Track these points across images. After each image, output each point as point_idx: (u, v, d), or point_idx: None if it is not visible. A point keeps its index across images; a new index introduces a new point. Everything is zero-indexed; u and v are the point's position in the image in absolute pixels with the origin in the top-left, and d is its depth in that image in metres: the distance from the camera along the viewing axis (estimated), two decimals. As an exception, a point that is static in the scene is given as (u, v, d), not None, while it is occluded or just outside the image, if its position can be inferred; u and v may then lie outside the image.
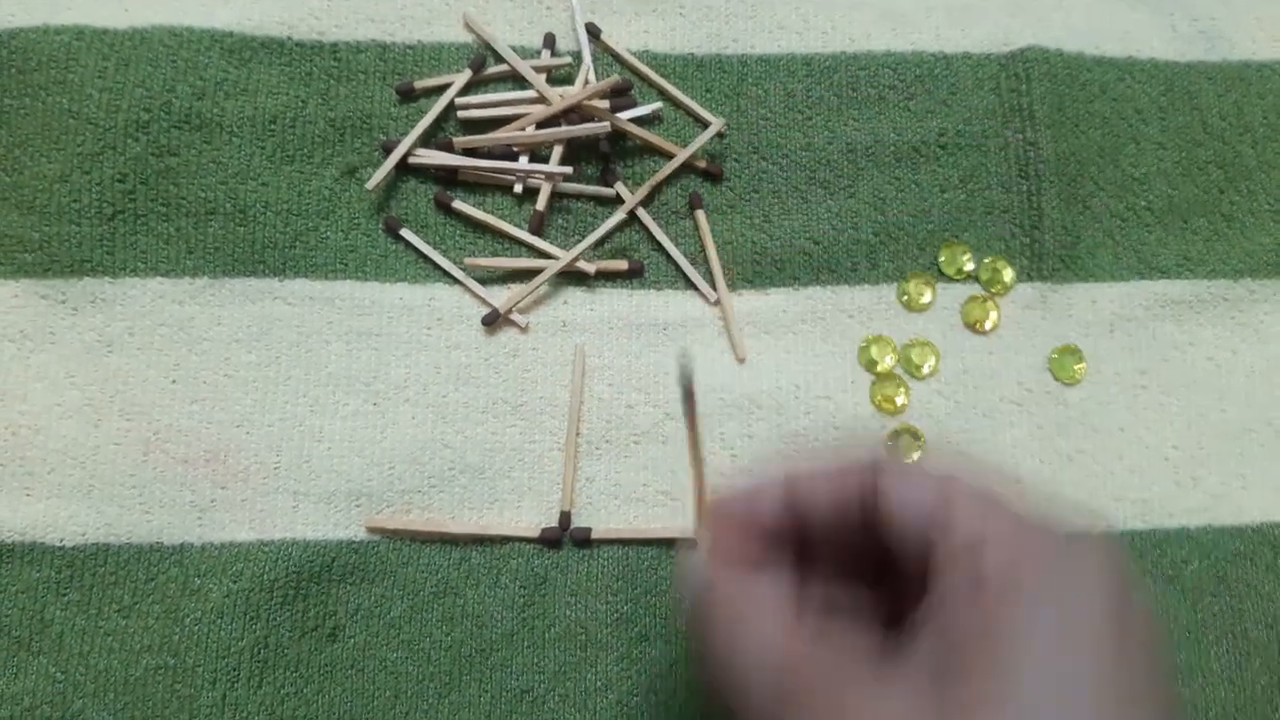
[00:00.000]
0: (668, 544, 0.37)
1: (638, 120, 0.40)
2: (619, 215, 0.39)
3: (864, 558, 0.27)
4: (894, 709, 0.23)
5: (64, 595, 0.35)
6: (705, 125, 0.40)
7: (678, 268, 0.39)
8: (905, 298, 0.40)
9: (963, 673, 0.23)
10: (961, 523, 0.25)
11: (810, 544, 0.27)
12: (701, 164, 0.40)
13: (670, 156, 0.40)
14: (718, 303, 0.39)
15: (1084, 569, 0.24)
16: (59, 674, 0.34)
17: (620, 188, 0.40)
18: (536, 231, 0.39)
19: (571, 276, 0.39)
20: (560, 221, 0.40)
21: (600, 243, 0.39)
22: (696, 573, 0.27)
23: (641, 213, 0.39)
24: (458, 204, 0.39)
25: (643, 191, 0.39)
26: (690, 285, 0.39)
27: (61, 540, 0.35)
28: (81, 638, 0.35)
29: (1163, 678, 0.24)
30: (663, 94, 0.41)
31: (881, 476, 0.26)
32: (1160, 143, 0.42)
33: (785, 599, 0.26)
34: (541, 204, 0.39)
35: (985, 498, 0.25)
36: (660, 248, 0.40)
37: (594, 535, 0.37)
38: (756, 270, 0.40)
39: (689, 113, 0.41)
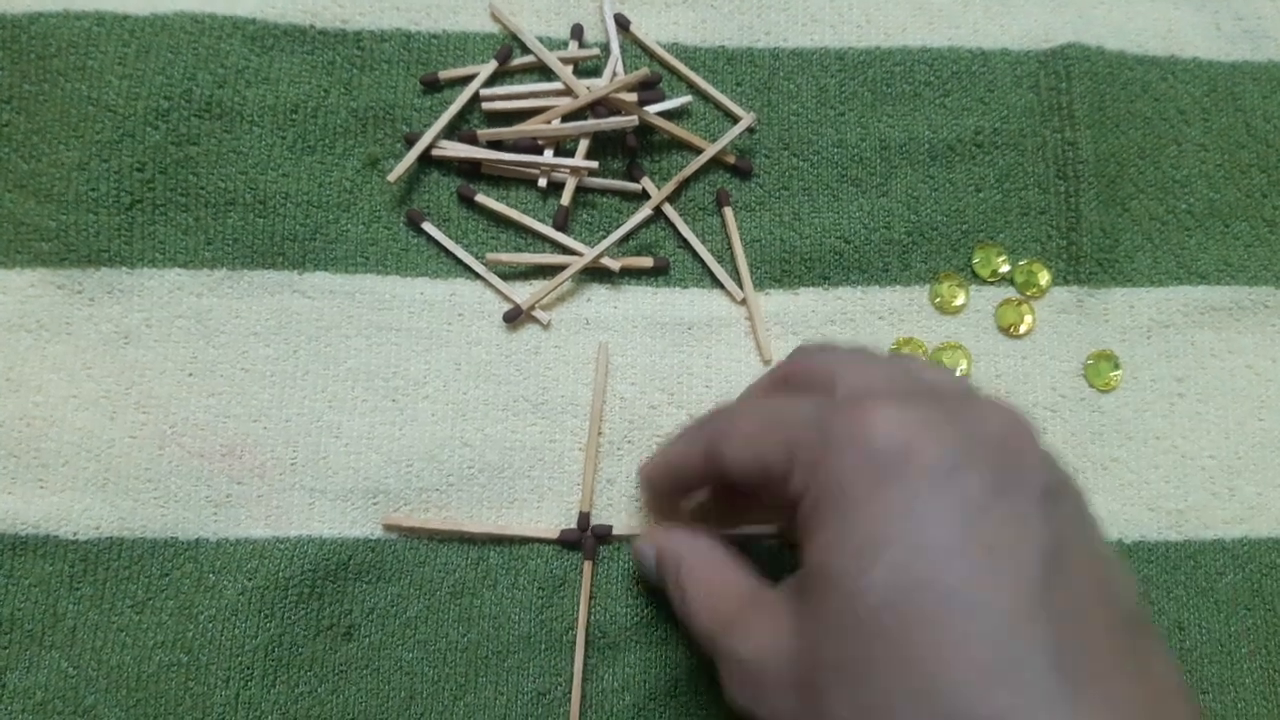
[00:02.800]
0: (690, 548, 0.36)
1: (666, 114, 0.39)
2: (644, 211, 0.38)
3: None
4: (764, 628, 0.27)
5: (77, 589, 0.34)
6: (735, 119, 0.40)
7: (704, 265, 0.39)
8: (938, 299, 0.39)
9: (803, 579, 0.26)
10: (774, 459, 0.27)
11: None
12: (730, 159, 0.39)
13: (699, 152, 0.39)
14: (744, 301, 0.38)
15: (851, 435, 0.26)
16: (71, 669, 0.34)
17: (646, 182, 0.39)
18: (561, 227, 0.38)
19: (595, 273, 0.38)
20: (585, 217, 0.39)
21: (625, 239, 0.38)
22: (647, 546, 0.33)
23: (668, 209, 0.39)
24: (481, 197, 0.38)
25: (670, 187, 0.38)
26: (716, 284, 0.38)
27: (75, 534, 0.35)
28: (94, 632, 0.34)
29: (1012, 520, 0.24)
30: (692, 87, 0.40)
31: (709, 447, 0.30)
32: (1202, 144, 0.41)
33: (723, 552, 0.31)
34: (566, 199, 0.38)
35: (791, 426, 0.28)
36: (686, 245, 0.39)
37: (614, 533, 0.36)
38: (785, 269, 0.39)
39: (719, 106, 0.40)
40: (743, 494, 0.31)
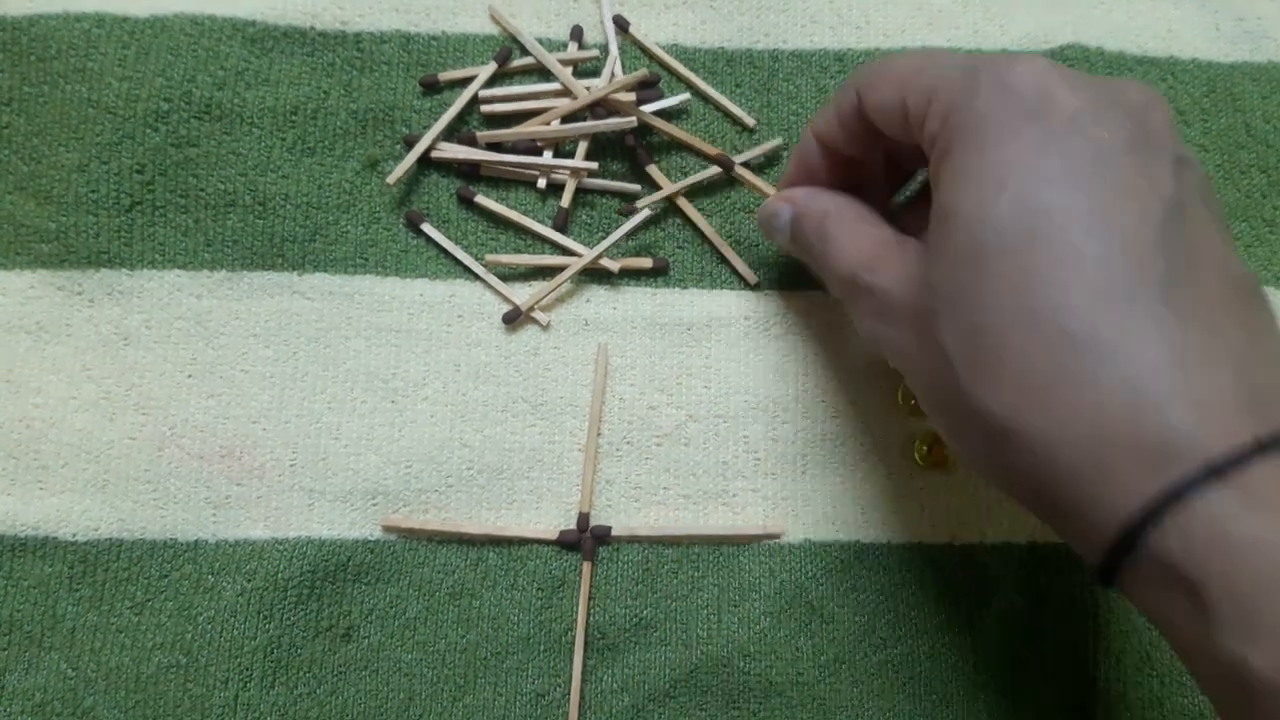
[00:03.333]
0: (688, 547, 0.36)
1: (663, 113, 0.39)
2: (644, 213, 0.38)
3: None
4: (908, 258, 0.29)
5: (76, 591, 0.34)
6: (735, 121, 0.40)
7: (703, 266, 0.39)
8: None
9: (934, 217, 0.27)
10: (915, 101, 0.28)
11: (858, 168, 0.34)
12: (730, 165, 0.39)
13: (698, 152, 0.39)
14: (757, 285, 0.38)
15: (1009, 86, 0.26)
16: (70, 670, 0.34)
17: (654, 171, 0.39)
18: (561, 228, 0.38)
19: (594, 274, 0.38)
20: (584, 217, 0.39)
21: (627, 238, 0.38)
22: (784, 205, 0.34)
23: (681, 200, 0.39)
24: (480, 199, 0.38)
25: (685, 184, 0.38)
26: (716, 284, 0.38)
27: (74, 535, 0.35)
28: (93, 634, 0.34)
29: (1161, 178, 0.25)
30: (692, 88, 0.40)
31: (860, 88, 0.31)
32: (1202, 145, 0.41)
33: (871, 213, 0.32)
34: (566, 200, 0.38)
35: (937, 70, 0.28)
36: (685, 245, 0.39)
37: (613, 535, 0.36)
38: (783, 272, 0.39)
39: (719, 108, 0.40)
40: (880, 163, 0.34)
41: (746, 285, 0.38)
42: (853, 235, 0.31)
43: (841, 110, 0.32)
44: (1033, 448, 0.24)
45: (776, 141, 0.39)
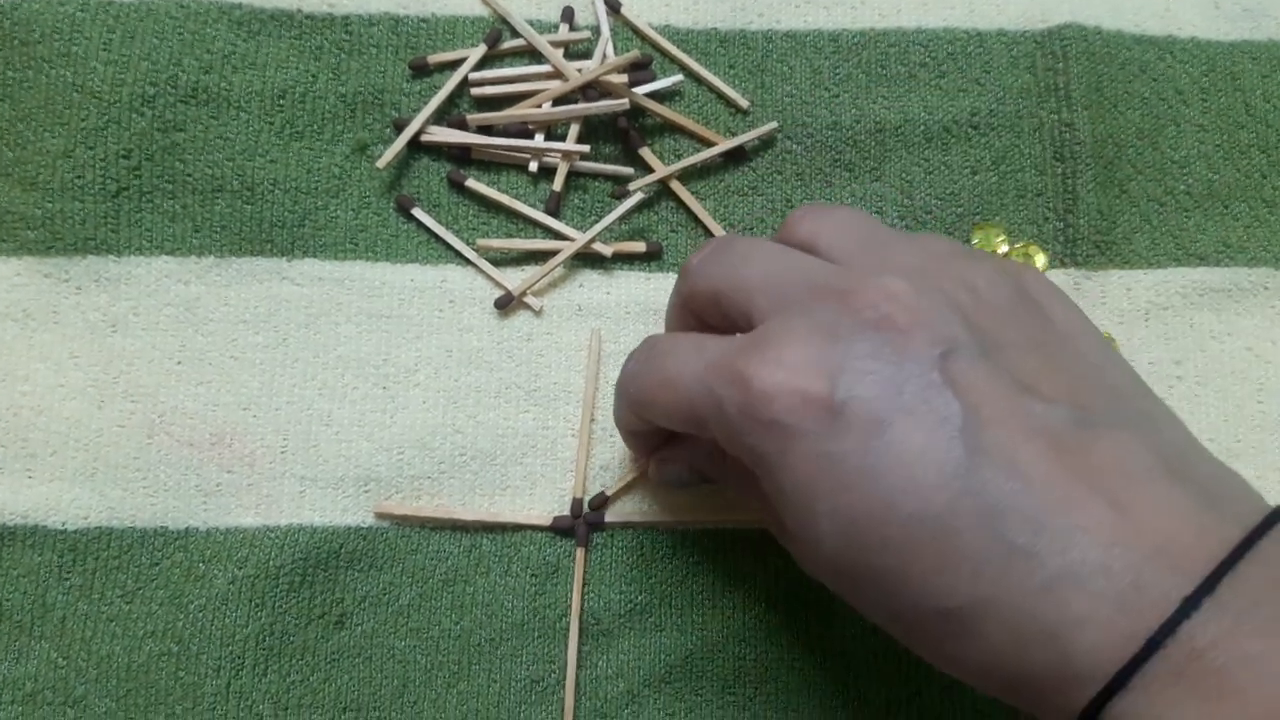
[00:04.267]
0: (683, 533, 0.36)
1: (656, 95, 0.39)
2: (636, 196, 0.38)
3: None
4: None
5: (66, 579, 0.34)
6: (728, 102, 0.39)
7: (697, 249, 0.38)
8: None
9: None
10: (698, 425, 0.27)
11: None
12: (724, 145, 0.39)
13: (690, 134, 0.39)
14: None
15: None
16: (61, 659, 0.34)
17: (647, 153, 0.38)
18: (554, 213, 0.38)
19: (587, 259, 0.38)
20: (576, 201, 0.39)
21: (619, 222, 0.38)
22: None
23: (674, 182, 0.38)
24: (471, 182, 0.38)
25: (678, 168, 0.38)
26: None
27: (64, 524, 0.35)
28: (84, 623, 0.34)
29: None
30: (684, 70, 0.39)
31: (637, 408, 0.30)
32: (1201, 125, 0.40)
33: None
34: (558, 184, 0.38)
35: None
36: (678, 229, 0.38)
37: (607, 520, 0.36)
38: (778, 254, 0.38)
39: (712, 89, 0.39)
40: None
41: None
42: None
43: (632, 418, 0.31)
44: (997, 625, 0.23)
45: (772, 125, 0.39)
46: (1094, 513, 0.22)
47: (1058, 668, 0.22)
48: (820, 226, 0.29)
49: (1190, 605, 0.21)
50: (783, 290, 0.27)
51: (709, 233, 0.38)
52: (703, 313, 0.30)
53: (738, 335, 0.27)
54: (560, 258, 0.37)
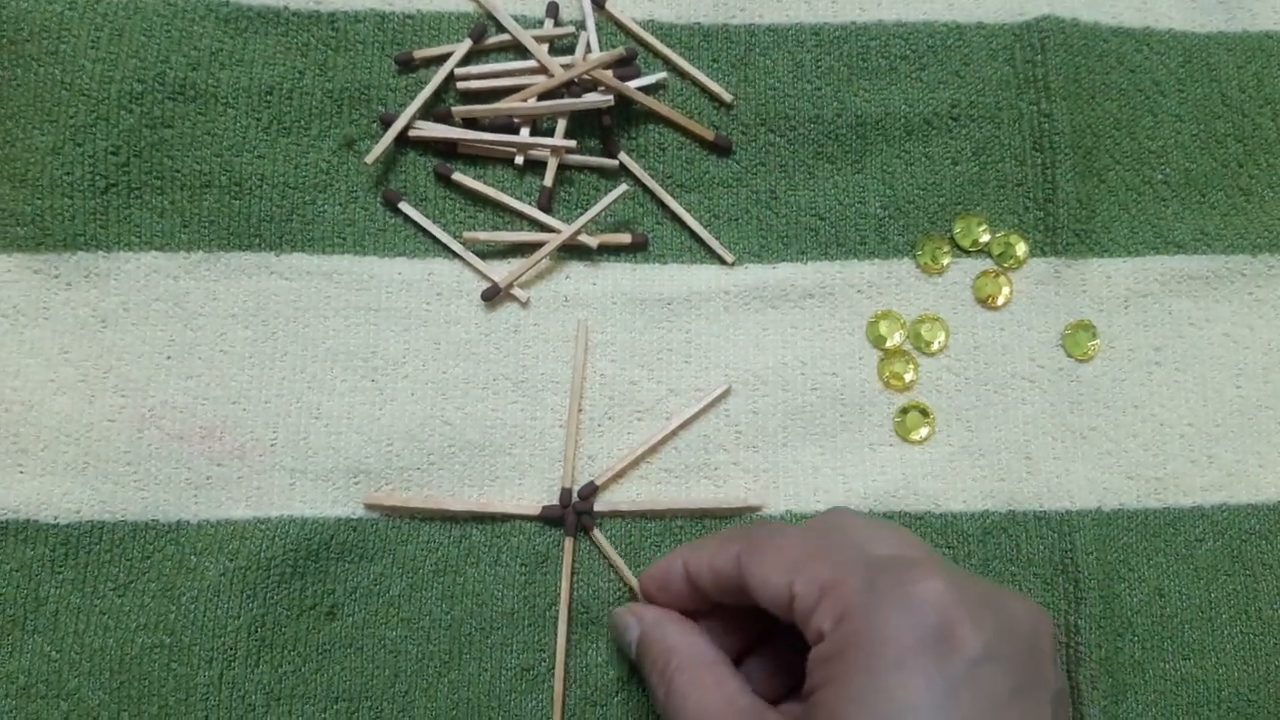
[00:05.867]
0: (671, 520, 0.36)
1: (642, 91, 0.39)
2: (621, 188, 0.38)
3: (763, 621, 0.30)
4: None
5: (59, 573, 0.34)
6: (713, 97, 0.40)
7: (682, 241, 0.39)
8: (925, 260, 0.39)
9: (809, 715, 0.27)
10: (804, 590, 0.28)
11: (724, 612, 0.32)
12: (710, 136, 0.39)
13: (675, 126, 0.39)
14: (735, 263, 0.38)
15: (910, 607, 0.26)
16: (54, 653, 0.34)
17: (625, 158, 0.39)
18: (545, 208, 0.38)
19: (573, 250, 0.38)
20: (562, 194, 0.39)
21: (603, 215, 0.38)
22: (633, 620, 0.33)
23: (649, 181, 0.39)
24: (458, 176, 0.38)
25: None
26: (695, 259, 0.38)
27: (56, 518, 0.35)
28: (76, 616, 0.34)
29: None
30: (668, 64, 0.40)
31: (744, 554, 0.29)
32: (1178, 115, 0.41)
33: (721, 659, 0.31)
34: (549, 179, 0.38)
35: (834, 563, 0.28)
36: (664, 221, 0.39)
37: (596, 510, 0.36)
38: (763, 244, 0.39)
39: (695, 83, 0.40)
40: (748, 623, 0.32)
41: (725, 261, 0.39)
42: (700, 694, 0.29)
43: (718, 567, 0.30)
44: None
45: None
46: None
47: None
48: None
49: None
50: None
51: (675, 231, 0.39)
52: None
53: None
54: (546, 250, 0.37)
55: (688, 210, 0.39)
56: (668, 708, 0.30)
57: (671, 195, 0.39)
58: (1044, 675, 0.27)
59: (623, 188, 0.38)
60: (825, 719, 0.26)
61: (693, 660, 0.30)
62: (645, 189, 0.39)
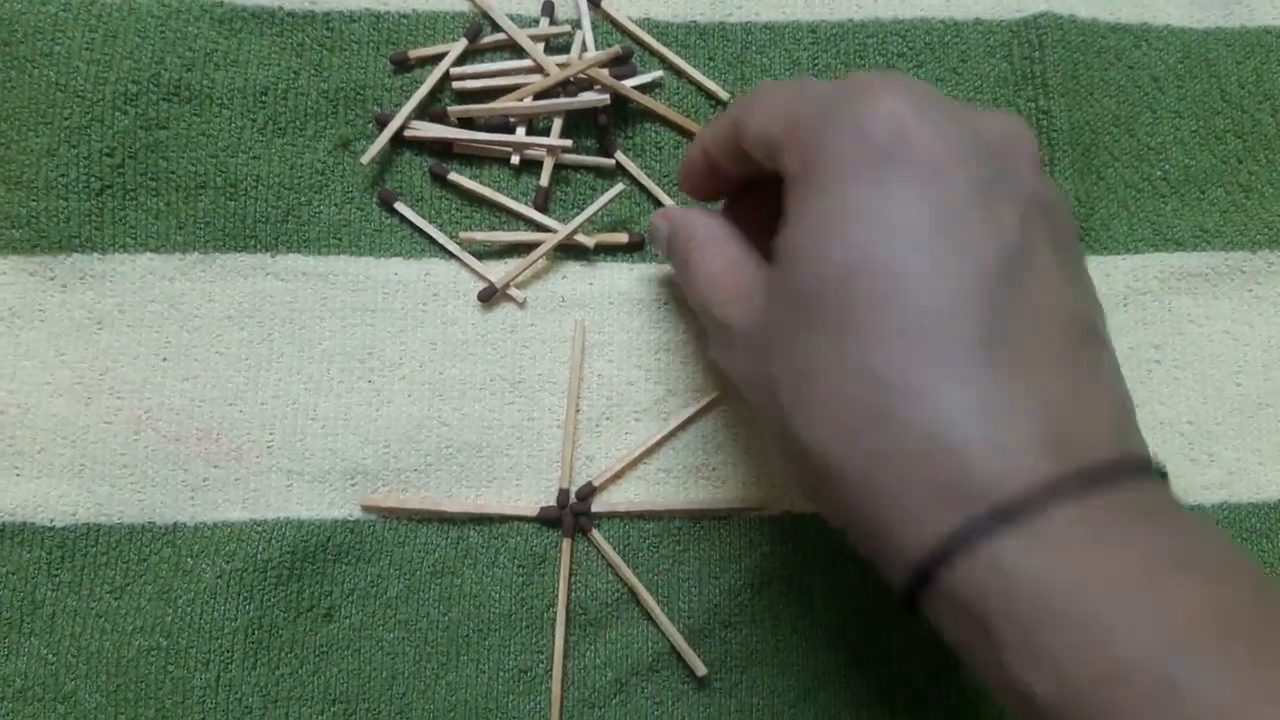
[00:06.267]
0: (669, 521, 0.36)
1: (637, 89, 0.39)
2: (618, 187, 0.38)
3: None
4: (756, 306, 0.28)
5: (55, 576, 0.34)
6: (709, 95, 0.39)
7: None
8: None
9: (776, 250, 0.27)
10: (779, 132, 0.28)
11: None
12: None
13: (672, 126, 0.39)
14: None
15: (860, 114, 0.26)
16: (50, 655, 0.34)
17: (621, 157, 0.39)
18: (542, 208, 0.38)
19: (570, 250, 0.38)
20: (558, 194, 0.39)
21: (600, 215, 0.38)
22: (663, 223, 0.34)
23: (646, 180, 0.39)
24: (454, 175, 0.38)
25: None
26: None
27: (52, 520, 0.35)
28: (73, 619, 0.34)
29: (1006, 218, 0.25)
30: (665, 63, 0.40)
31: (739, 110, 0.30)
32: (1177, 111, 0.41)
33: (734, 234, 0.32)
34: (545, 179, 0.38)
35: (803, 100, 0.28)
36: (661, 221, 0.39)
37: (594, 511, 0.36)
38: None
39: (692, 82, 0.40)
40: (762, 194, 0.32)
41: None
42: (709, 264, 0.31)
43: (721, 133, 0.31)
44: (845, 484, 0.24)
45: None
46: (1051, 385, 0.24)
47: (952, 478, 0.23)
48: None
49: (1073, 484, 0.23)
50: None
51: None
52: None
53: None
54: (542, 249, 0.37)
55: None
56: (685, 281, 0.32)
57: (669, 194, 0.39)
58: (1016, 183, 0.26)
59: (619, 186, 0.38)
60: (781, 250, 0.27)
61: (708, 238, 0.32)
62: (642, 188, 0.39)
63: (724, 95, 0.39)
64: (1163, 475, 0.26)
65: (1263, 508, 0.38)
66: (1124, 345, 0.39)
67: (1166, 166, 0.40)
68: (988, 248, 0.24)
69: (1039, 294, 0.25)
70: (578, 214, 0.38)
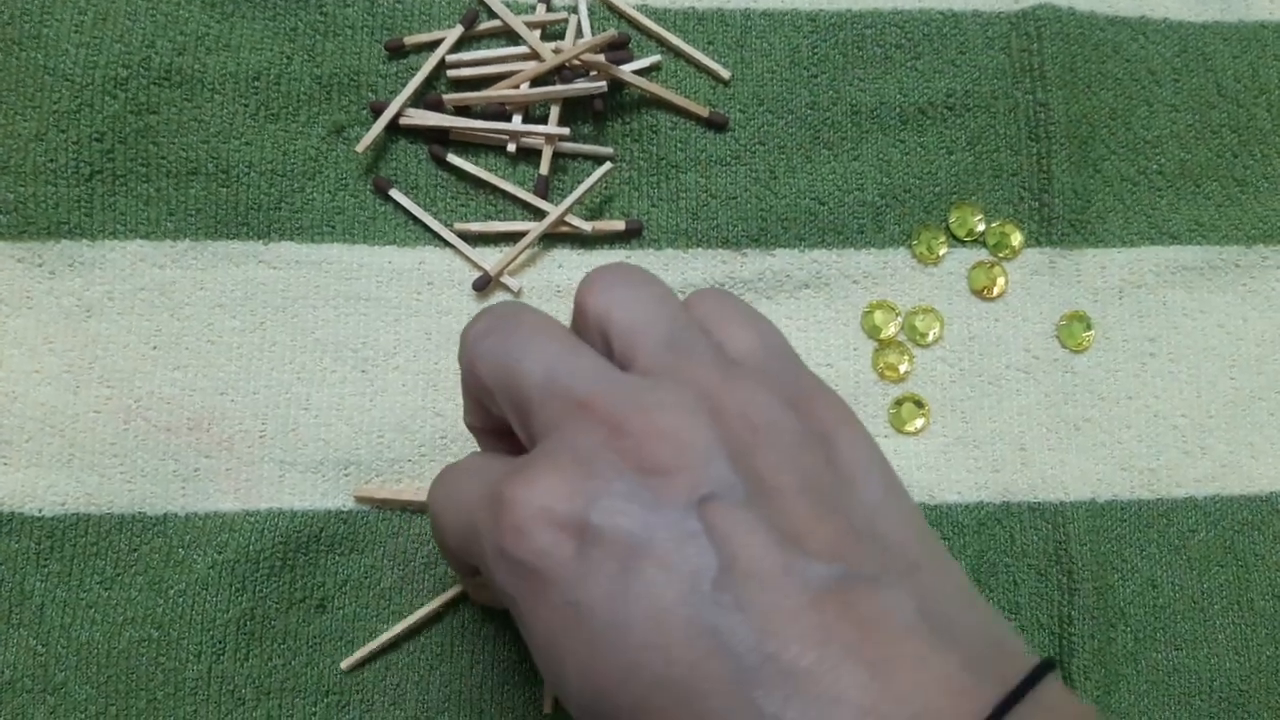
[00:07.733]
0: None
1: (633, 73, 0.39)
2: (606, 165, 0.38)
3: None
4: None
5: (44, 566, 0.34)
6: (709, 74, 0.39)
7: (677, 225, 0.38)
8: (921, 251, 0.38)
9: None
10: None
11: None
12: (705, 113, 0.39)
13: (670, 108, 0.39)
14: (735, 245, 0.38)
15: None
16: (40, 647, 0.33)
17: (619, 141, 0.38)
18: (543, 196, 0.38)
19: (566, 239, 0.38)
20: (555, 182, 0.38)
21: (596, 201, 0.38)
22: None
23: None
24: (452, 157, 0.38)
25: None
26: (691, 244, 0.38)
27: (41, 510, 0.34)
28: (63, 610, 0.34)
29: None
30: (663, 46, 0.39)
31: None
32: (1173, 105, 0.41)
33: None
34: (544, 168, 0.38)
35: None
36: (658, 204, 0.38)
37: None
38: (762, 228, 0.38)
39: (691, 62, 0.39)
40: None
41: (723, 245, 0.38)
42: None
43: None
44: None
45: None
46: (851, 679, 0.20)
47: None
48: (612, 307, 0.26)
49: None
50: (559, 402, 0.24)
51: (689, 208, 0.38)
52: (483, 401, 0.27)
53: (517, 459, 0.25)
54: (534, 234, 0.37)
55: (681, 193, 0.38)
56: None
57: (666, 176, 0.38)
58: (669, 496, 0.22)
59: (608, 165, 0.38)
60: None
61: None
62: (640, 170, 0.38)
63: (725, 74, 0.39)
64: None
65: (1254, 500, 0.38)
66: (1119, 339, 0.39)
67: (1162, 160, 0.40)
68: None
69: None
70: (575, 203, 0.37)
